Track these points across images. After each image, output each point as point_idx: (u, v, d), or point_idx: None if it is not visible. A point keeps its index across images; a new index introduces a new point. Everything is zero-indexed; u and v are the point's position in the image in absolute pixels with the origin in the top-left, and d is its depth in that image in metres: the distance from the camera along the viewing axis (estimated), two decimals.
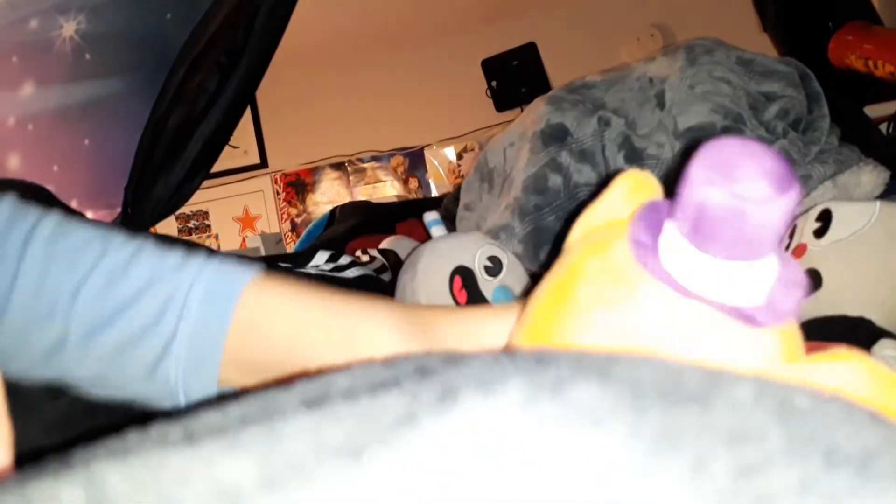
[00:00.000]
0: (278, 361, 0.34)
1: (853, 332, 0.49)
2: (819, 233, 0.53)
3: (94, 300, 0.34)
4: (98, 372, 0.35)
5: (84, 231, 0.35)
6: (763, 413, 0.12)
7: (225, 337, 0.34)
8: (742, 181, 0.20)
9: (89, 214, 1.14)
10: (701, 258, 0.21)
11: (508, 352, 0.17)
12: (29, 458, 0.18)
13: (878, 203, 0.52)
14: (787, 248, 0.57)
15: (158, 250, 0.36)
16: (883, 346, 0.47)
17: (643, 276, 0.22)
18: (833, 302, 0.51)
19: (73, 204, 1.10)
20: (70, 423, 0.40)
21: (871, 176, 0.71)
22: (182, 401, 0.35)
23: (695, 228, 0.21)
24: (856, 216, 0.52)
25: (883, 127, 1.05)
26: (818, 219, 0.54)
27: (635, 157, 0.77)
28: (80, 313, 0.34)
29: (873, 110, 1.08)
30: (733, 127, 0.74)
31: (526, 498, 0.12)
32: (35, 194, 0.45)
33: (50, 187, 0.47)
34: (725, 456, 0.12)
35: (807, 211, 0.58)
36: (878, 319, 0.49)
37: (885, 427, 0.12)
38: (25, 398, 0.38)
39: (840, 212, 0.53)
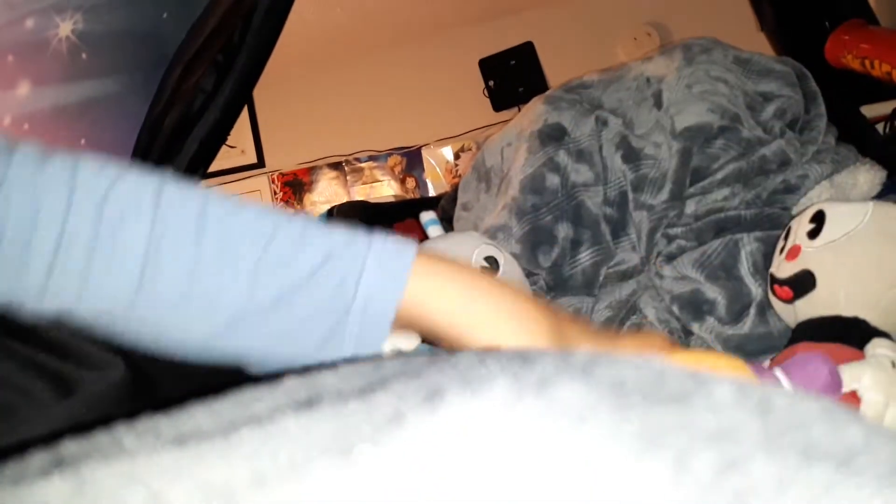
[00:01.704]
0: (436, 337, 0.36)
1: (847, 332, 0.49)
2: (813, 234, 0.53)
3: (275, 272, 0.35)
4: (273, 344, 0.36)
5: (251, 209, 0.36)
6: (742, 411, 0.13)
7: (395, 311, 0.36)
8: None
9: None
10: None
11: (493, 352, 0.17)
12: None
13: (870, 204, 0.52)
14: (782, 250, 0.57)
15: (323, 226, 0.37)
16: (875, 344, 0.47)
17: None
18: (827, 302, 0.51)
19: None
20: (79, 423, 0.40)
21: (867, 176, 0.71)
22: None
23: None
24: (849, 217, 0.52)
25: (879, 127, 1.06)
26: (812, 220, 0.54)
27: (633, 157, 0.77)
28: (263, 284, 0.35)
29: (870, 110, 1.08)
30: (730, 126, 0.74)
31: (511, 494, 0.12)
32: None
33: None
34: (706, 452, 0.12)
35: (801, 212, 0.58)
36: (872, 319, 0.49)
37: (864, 426, 0.13)
38: (34, 396, 0.38)
39: (833, 213, 0.53)
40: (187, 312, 0.36)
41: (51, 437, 0.38)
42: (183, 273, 0.35)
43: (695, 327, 0.65)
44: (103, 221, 0.34)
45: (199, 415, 0.18)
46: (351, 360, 0.25)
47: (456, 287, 0.37)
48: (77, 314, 0.36)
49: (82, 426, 0.39)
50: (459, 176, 2.03)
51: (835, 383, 0.40)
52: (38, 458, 0.16)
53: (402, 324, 0.37)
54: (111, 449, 0.17)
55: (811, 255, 0.53)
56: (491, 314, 0.37)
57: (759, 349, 0.61)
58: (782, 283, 0.55)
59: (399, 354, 0.54)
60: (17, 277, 0.34)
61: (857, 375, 0.43)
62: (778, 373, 0.39)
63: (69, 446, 0.16)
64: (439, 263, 0.37)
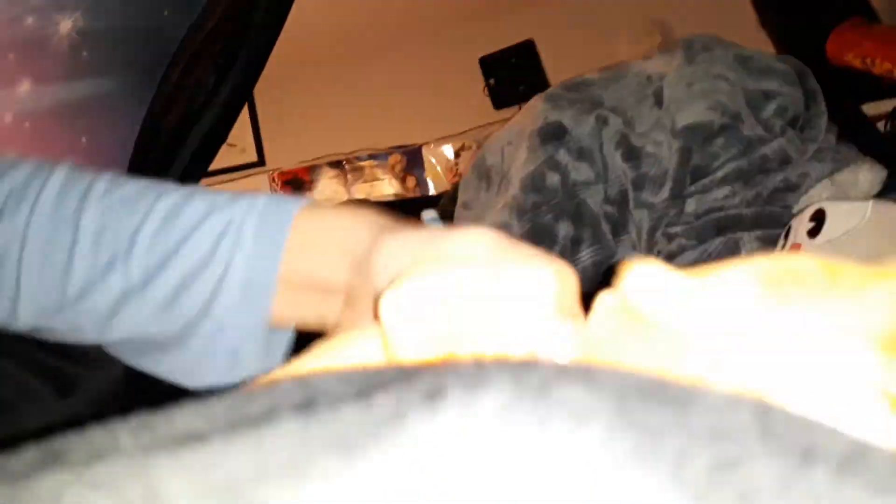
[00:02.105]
0: (329, 287, 0.33)
1: None
2: (813, 232, 0.53)
3: (150, 243, 0.33)
4: (159, 325, 0.34)
5: (137, 182, 0.35)
6: (741, 412, 0.13)
7: (279, 263, 0.33)
8: None
9: None
10: None
11: (494, 358, 0.17)
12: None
13: (870, 202, 0.52)
14: (783, 248, 0.58)
15: (211, 192, 0.35)
16: None
17: None
18: None
19: None
20: (77, 420, 0.40)
21: (868, 174, 0.71)
22: (223, 358, 0.34)
23: None
24: (848, 216, 0.52)
25: (880, 125, 1.05)
26: (812, 218, 0.55)
27: (633, 156, 0.77)
28: (138, 259, 0.33)
29: (871, 108, 1.08)
30: (731, 125, 0.74)
31: (511, 495, 0.12)
32: None
33: None
34: (705, 453, 0.12)
35: (802, 211, 0.58)
36: None
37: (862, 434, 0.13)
38: (31, 395, 0.38)
39: (833, 211, 0.53)
40: (67, 302, 0.34)
41: (46, 433, 0.38)
42: (59, 265, 0.33)
43: None
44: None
45: (196, 414, 0.18)
46: (339, 370, 0.25)
47: (343, 231, 0.33)
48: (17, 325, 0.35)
49: (80, 424, 0.39)
50: (460, 174, 2.03)
51: None
52: (34, 453, 0.16)
53: (292, 279, 0.34)
54: (108, 446, 0.17)
55: (811, 254, 0.53)
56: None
57: None
58: None
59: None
60: None
61: None
62: None
63: (66, 442, 0.16)
64: (331, 210, 0.35)
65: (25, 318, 0.35)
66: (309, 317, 0.35)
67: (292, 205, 0.35)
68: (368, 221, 0.33)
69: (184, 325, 0.34)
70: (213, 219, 0.34)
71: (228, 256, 0.33)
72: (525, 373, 0.15)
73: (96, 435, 0.17)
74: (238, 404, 0.17)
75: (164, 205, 0.34)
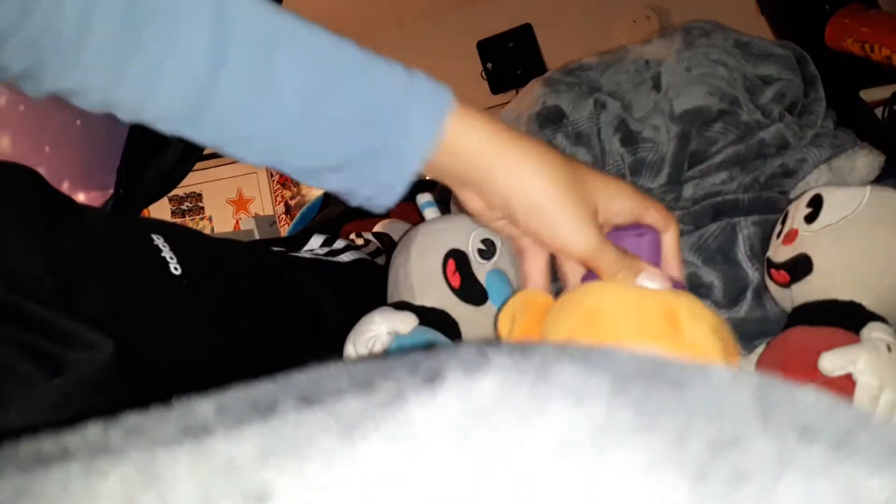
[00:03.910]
0: (463, 177, 0.40)
1: (843, 316, 0.49)
2: (810, 218, 0.54)
3: (325, 114, 0.38)
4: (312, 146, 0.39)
5: (319, 36, 0.39)
6: (740, 392, 0.13)
7: (428, 152, 0.39)
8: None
9: (81, 196, 1.13)
10: None
11: (492, 343, 0.17)
12: (25, 436, 0.19)
13: (868, 188, 0.52)
14: (779, 234, 0.58)
15: (370, 64, 0.40)
16: (871, 328, 0.47)
17: None
18: (824, 286, 0.52)
19: (66, 185, 1.10)
20: (69, 402, 0.40)
21: (866, 160, 0.71)
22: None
23: None
24: (846, 201, 0.52)
25: (878, 111, 1.05)
26: (809, 204, 0.55)
27: (631, 140, 0.77)
28: (314, 132, 0.38)
29: (869, 94, 1.08)
30: (729, 110, 0.74)
31: (511, 473, 0.13)
32: (23, 177, 0.45)
33: (42, 168, 0.47)
34: (704, 431, 0.12)
35: (799, 196, 0.58)
36: (869, 303, 0.50)
37: (859, 411, 0.13)
38: (23, 376, 0.38)
39: (831, 197, 0.53)
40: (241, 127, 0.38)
41: (35, 414, 0.38)
42: (244, 103, 0.36)
43: None
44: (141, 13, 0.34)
45: (200, 406, 0.18)
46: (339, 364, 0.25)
47: (486, 132, 0.40)
48: (113, 101, 0.37)
49: (69, 405, 0.39)
50: None
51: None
52: (42, 444, 0.16)
53: (432, 167, 0.40)
54: (114, 437, 0.17)
55: (808, 240, 0.53)
56: (513, 160, 0.39)
57: (756, 333, 0.62)
58: (779, 267, 0.55)
59: (396, 337, 0.54)
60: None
61: (853, 359, 0.44)
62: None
63: (72, 433, 0.17)
64: (475, 117, 0.40)
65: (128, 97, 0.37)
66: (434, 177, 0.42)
67: (446, 102, 0.40)
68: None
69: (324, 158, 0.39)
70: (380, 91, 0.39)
71: (388, 127, 0.39)
72: (524, 355, 0.15)
73: (102, 426, 0.17)
74: (242, 396, 0.17)
75: (338, 83, 0.38)
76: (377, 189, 0.41)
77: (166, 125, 0.38)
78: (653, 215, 0.43)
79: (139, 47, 0.34)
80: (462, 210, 0.48)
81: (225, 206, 2.56)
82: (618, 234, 0.42)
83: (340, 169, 0.40)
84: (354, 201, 0.42)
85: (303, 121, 0.37)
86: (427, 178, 0.42)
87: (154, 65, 0.35)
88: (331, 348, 0.58)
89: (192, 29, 0.35)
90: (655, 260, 0.43)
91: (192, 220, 2.60)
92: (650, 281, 0.40)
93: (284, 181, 2.53)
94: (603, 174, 0.42)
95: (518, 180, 0.39)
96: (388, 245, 0.94)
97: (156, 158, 1.15)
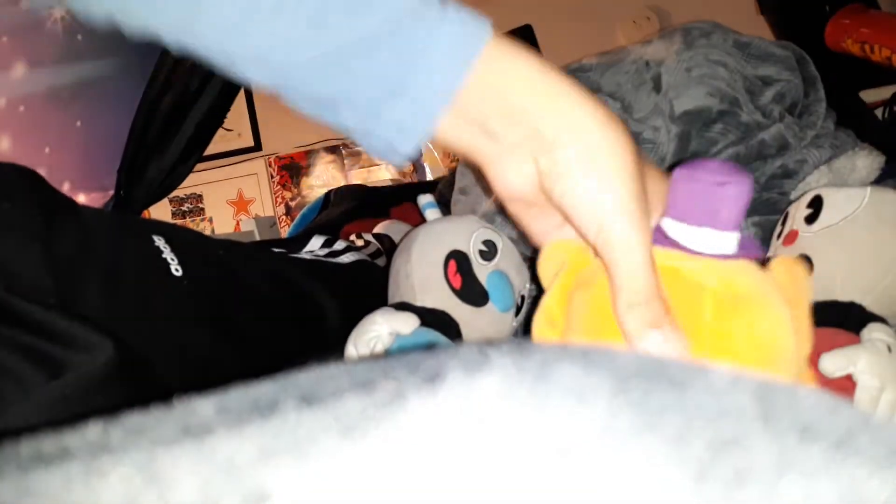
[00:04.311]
0: (500, 137, 0.33)
1: (843, 317, 0.49)
2: (810, 219, 0.54)
3: (338, 23, 0.32)
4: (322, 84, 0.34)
5: None
6: (740, 392, 0.13)
7: (454, 93, 0.32)
8: (707, 172, 0.32)
9: (81, 197, 1.13)
10: (683, 227, 0.32)
11: (493, 343, 0.17)
12: (23, 435, 0.19)
13: (868, 188, 0.52)
14: (779, 235, 0.58)
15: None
16: (872, 329, 0.47)
17: None
18: (824, 287, 0.52)
19: (66, 186, 1.10)
20: (68, 403, 0.40)
21: (866, 161, 0.71)
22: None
23: (679, 210, 0.32)
24: (846, 202, 0.52)
25: (878, 112, 1.05)
26: (809, 205, 0.55)
27: None
28: (322, 35, 0.32)
29: (869, 95, 1.08)
30: (729, 111, 0.74)
31: (511, 472, 0.13)
32: (22, 178, 0.45)
33: (42, 169, 0.47)
34: (704, 430, 0.12)
35: (799, 197, 0.58)
36: (869, 304, 0.50)
37: (860, 411, 0.13)
38: (21, 378, 0.38)
39: (831, 198, 0.53)
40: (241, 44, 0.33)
41: (34, 416, 0.38)
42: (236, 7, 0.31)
43: None
44: None
45: (201, 406, 0.18)
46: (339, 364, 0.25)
47: (532, 67, 0.33)
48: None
49: (68, 406, 0.39)
50: (457, 160, 2.02)
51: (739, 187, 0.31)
52: (43, 444, 0.16)
53: (464, 106, 0.33)
54: (115, 437, 0.17)
55: (808, 241, 0.53)
56: (569, 103, 0.32)
57: None
58: None
59: (397, 337, 0.54)
60: None
61: (853, 359, 0.44)
62: (666, 223, 0.33)
63: (73, 433, 0.17)
64: (518, 50, 0.33)
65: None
66: (461, 144, 0.34)
67: (482, 28, 0.33)
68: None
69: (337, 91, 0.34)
70: (401, 31, 0.32)
71: (414, 63, 0.32)
72: (524, 355, 0.15)
73: (102, 426, 0.17)
74: (242, 396, 0.17)
75: None
76: (395, 130, 0.34)
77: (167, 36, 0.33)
78: None
79: None
80: (482, 185, 0.44)
81: (225, 207, 2.56)
82: (691, 177, 0.32)
83: (349, 97, 0.33)
84: (371, 149, 0.36)
85: (308, 24, 0.32)
86: (447, 136, 0.35)
87: None
88: (331, 349, 0.58)
89: None
90: (738, 214, 0.32)
91: (193, 221, 2.60)
92: (656, 346, 0.28)
93: (285, 182, 2.53)
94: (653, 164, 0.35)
95: (570, 117, 0.31)
96: (388, 246, 0.94)
97: (156, 159, 1.15)
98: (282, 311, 0.63)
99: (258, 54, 0.33)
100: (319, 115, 0.36)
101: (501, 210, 0.43)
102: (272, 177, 2.56)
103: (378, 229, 1.03)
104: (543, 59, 0.33)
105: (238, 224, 2.52)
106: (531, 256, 0.75)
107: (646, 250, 0.30)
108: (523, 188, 0.34)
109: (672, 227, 0.33)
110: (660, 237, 0.32)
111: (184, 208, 2.61)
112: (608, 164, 0.30)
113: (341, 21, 0.32)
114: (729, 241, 0.32)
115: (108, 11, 0.34)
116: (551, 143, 0.31)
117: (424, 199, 0.76)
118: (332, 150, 2.41)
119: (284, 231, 2.23)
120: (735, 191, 0.31)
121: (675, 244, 0.32)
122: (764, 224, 0.66)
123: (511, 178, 0.34)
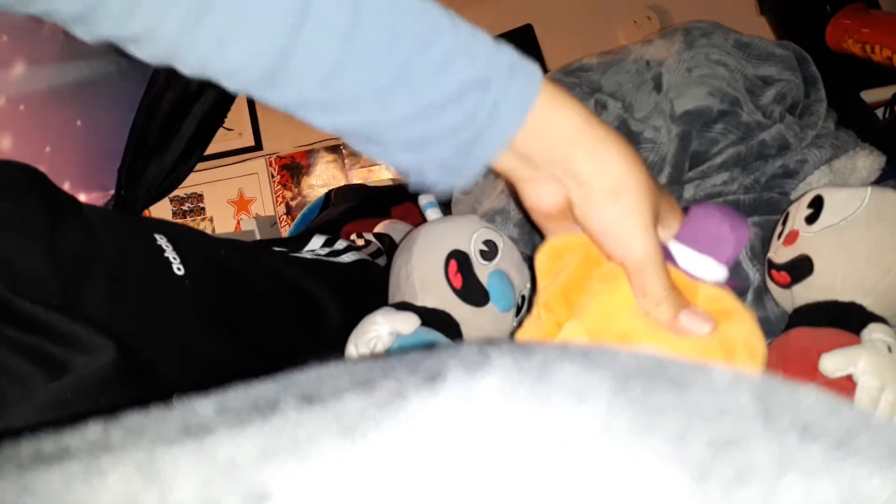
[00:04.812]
0: (539, 168, 0.38)
1: (844, 317, 0.49)
2: (811, 219, 0.53)
3: (410, 91, 0.36)
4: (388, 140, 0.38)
5: (408, 3, 0.36)
6: (740, 392, 0.13)
7: (511, 138, 0.37)
8: (724, 214, 0.39)
9: (82, 196, 1.13)
10: (688, 251, 0.39)
11: (493, 343, 0.17)
12: (24, 435, 0.19)
13: (869, 188, 0.52)
14: (780, 235, 0.58)
15: (465, 43, 0.37)
16: (872, 329, 0.47)
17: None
18: (824, 287, 0.52)
19: (66, 185, 1.10)
20: (68, 403, 0.40)
21: (867, 161, 0.71)
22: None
23: (690, 237, 0.39)
24: (847, 202, 0.52)
25: (879, 112, 1.05)
26: (810, 205, 0.55)
27: (631, 141, 0.77)
28: (394, 101, 0.36)
29: (870, 95, 1.08)
30: (730, 111, 0.74)
31: (511, 471, 0.13)
32: (26, 176, 0.45)
33: (42, 169, 0.47)
34: (705, 430, 0.12)
35: (800, 197, 0.58)
36: (869, 304, 0.50)
37: (860, 411, 0.13)
38: (23, 378, 0.38)
39: (831, 198, 0.53)
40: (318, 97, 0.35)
41: (35, 416, 0.38)
42: (325, 65, 0.34)
43: None
44: None
45: (201, 406, 0.18)
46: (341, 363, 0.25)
47: (574, 114, 0.38)
48: (184, 58, 0.35)
49: (69, 407, 0.39)
50: None
51: (739, 228, 0.39)
52: (42, 444, 0.16)
53: (519, 147, 0.38)
54: (115, 437, 0.17)
55: (809, 241, 0.53)
56: (599, 142, 0.38)
57: None
58: (780, 268, 0.55)
59: (398, 337, 0.54)
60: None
61: (853, 360, 0.43)
62: (673, 245, 0.39)
63: (73, 433, 0.17)
64: (564, 99, 0.38)
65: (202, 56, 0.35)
66: (502, 168, 0.40)
67: (536, 82, 0.38)
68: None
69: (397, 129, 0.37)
70: (468, 98, 0.36)
71: (473, 112, 0.37)
72: (525, 354, 0.15)
73: (102, 426, 0.17)
74: (243, 395, 0.17)
75: (427, 59, 0.36)
76: (451, 172, 0.38)
77: (234, 85, 0.35)
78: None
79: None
80: (519, 206, 0.47)
81: (226, 206, 2.56)
82: (710, 213, 0.39)
83: (415, 146, 0.37)
84: (412, 181, 0.40)
85: (389, 88, 0.35)
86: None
87: (232, 16, 0.32)
88: (332, 348, 0.58)
89: None
90: (735, 254, 0.40)
91: (193, 220, 2.60)
92: (692, 323, 0.36)
93: (285, 182, 2.53)
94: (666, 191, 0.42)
95: (603, 162, 0.37)
96: (388, 246, 0.94)
97: (156, 159, 1.15)
98: (283, 311, 0.63)
99: (329, 100, 0.36)
100: (371, 152, 0.40)
101: (528, 220, 0.47)
102: (273, 176, 2.56)
103: (378, 229, 1.03)
104: (582, 107, 0.39)
105: (239, 223, 2.52)
106: (531, 256, 0.75)
107: (659, 258, 0.37)
108: (551, 206, 0.40)
109: (678, 249, 0.39)
110: (665, 254, 0.38)
111: (184, 207, 2.61)
112: (633, 198, 0.37)
113: (419, 72, 0.35)
114: (721, 272, 0.39)
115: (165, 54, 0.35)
116: (585, 182, 0.37)
117: (425, 199, 0.76)
118: (333, 149, 2.41)
119: (285, 230, 2.23)
120: (742, 236, 0.39)
121: (675, 264, 0.39)
122: (764, 224, 0.66)
123: (544, 198, 0.40)
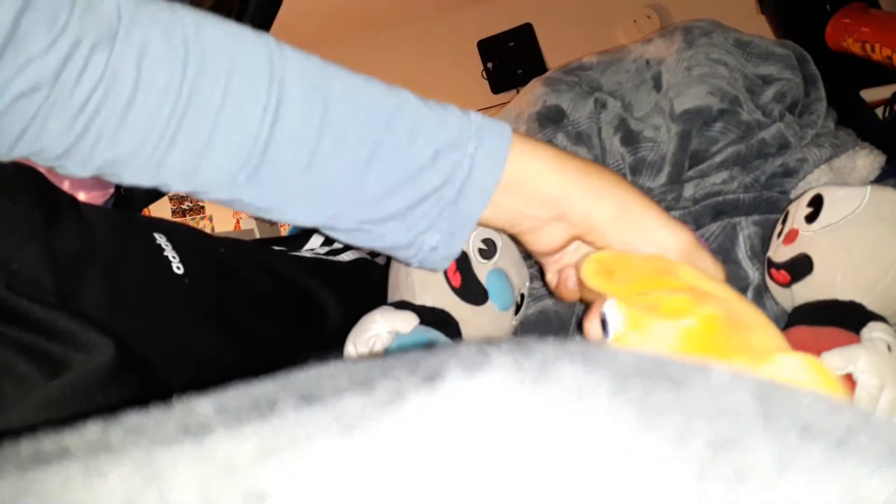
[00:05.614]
0: (536, 217, 0.41)
1: (843, 316, 0.49)
2: (810, 218, 0.53)
3: (385, 169, 0.38)
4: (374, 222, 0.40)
5: (371, 89, 0.39)
6: (740, 392, 0.13)
7: (490, 197, 0.40)
8: None
9: (81, 195, 1.13)
10: None
11: (492, 342, 0.17)
12: (21, 435, 0.19)
13: (869, 187, 0.52)
14: (780, 234, 0.58)
15: (428, 111, 0.40)
16: (872, 328, 0.47)
17: None
18: (824, 286, 0.52)
19: (65, 185, 1.10)
20: (67, 402, 0.40)
21: (866, 160, 0.71)
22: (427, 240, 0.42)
23: None
24: (847, 200, 0.52)
25: (879, 111, 1.05)
26: (810, 204, 0.55)
27: (631, 140, 0.77)
28: (372, 181, 0.38)
29: (870, 94, 1.08)
30: (730, 109, 0.74)
31: (511, 471, 0.13)
32: (23, 175, 0.45)
33: (40, 168, 0.47)
34: (704, 430, 0.12)
35: (800, 196, 0.58)
36: (869, 303, 0.50)
37: (860, 410, 0.13)
38: (21, 377, 0.38)
39: (831, 196, 0.53)
40: (296, 191, 0.38)
41: (33, 415, 0.38)
42: (303, 153, 0.37)
43: None
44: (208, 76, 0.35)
45: (201, 405, 0.18)
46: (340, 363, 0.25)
47: (556, 171, 0.40)
48: (163, 178, 0.38)
49: (67, 406, 0.39)
50: None
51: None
52: (42, 444, 0.16)
53: (499, 203, 0.40)
54: (114, 437, 0.17)
55: (809, 239, 0.53)
56: (588, 180, 0.40)
57: None
58: (779, 266, 0.55)
59: (396, 336, 0.54)
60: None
61: (853, 358, 0.44)
62: None
63: (73, 433, 0.17)
64: (542, 148, 0.41)
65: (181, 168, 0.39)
66: (499, 225, 0.43)
67: (507, 133, 0.40)
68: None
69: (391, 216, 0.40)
70: (441, 161, 0.39)
71: (454, 181, 0.39)
72: (524, 354, 0.15)
73: (102, 426, 0.17)
74: (242, 395, 0.17)
75: (395, 135, 0.39)
76: (441, 237, 0.41)
77: (221, 190, 0.38)
78: None
79: (195, 99, 0.34)
80: (529, 255, 0.49)
81: None
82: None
83: (404, 215, 0.40)
84: (415, 259, 0.43)
85: (366, 165, 0.38)
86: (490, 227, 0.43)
87: (211, 116, 0.34)
88: (331, 347, 0.58)
89: (249, 78, 0.35)
90: None
91: (193, 219, 2.59)
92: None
93: None
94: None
95: (600, 197, 0.40)
96: None
97: None
98: (282, 310, 0.63)
99: (313, 189, 0.38)
100: (361, 240, 0.42)
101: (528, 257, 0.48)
102: None
103: None
104: (554, 148, 0.41)
105: (238, 222, 2.51)
106: (529, 255, 0.75)
107: (692, 236, 0.41)
108: (557, 247, 0.43)
109: None
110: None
111: (184, 206, 2.61)
112: (637, 209, 0.40)
113: (395, 145, 0.38)
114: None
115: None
116: (588, 216, 0.40)
117: None
118: None
119: (284, 229, 2.22)
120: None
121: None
122: (764, 223, 0.66)
123: (548, 241, 0.43)
